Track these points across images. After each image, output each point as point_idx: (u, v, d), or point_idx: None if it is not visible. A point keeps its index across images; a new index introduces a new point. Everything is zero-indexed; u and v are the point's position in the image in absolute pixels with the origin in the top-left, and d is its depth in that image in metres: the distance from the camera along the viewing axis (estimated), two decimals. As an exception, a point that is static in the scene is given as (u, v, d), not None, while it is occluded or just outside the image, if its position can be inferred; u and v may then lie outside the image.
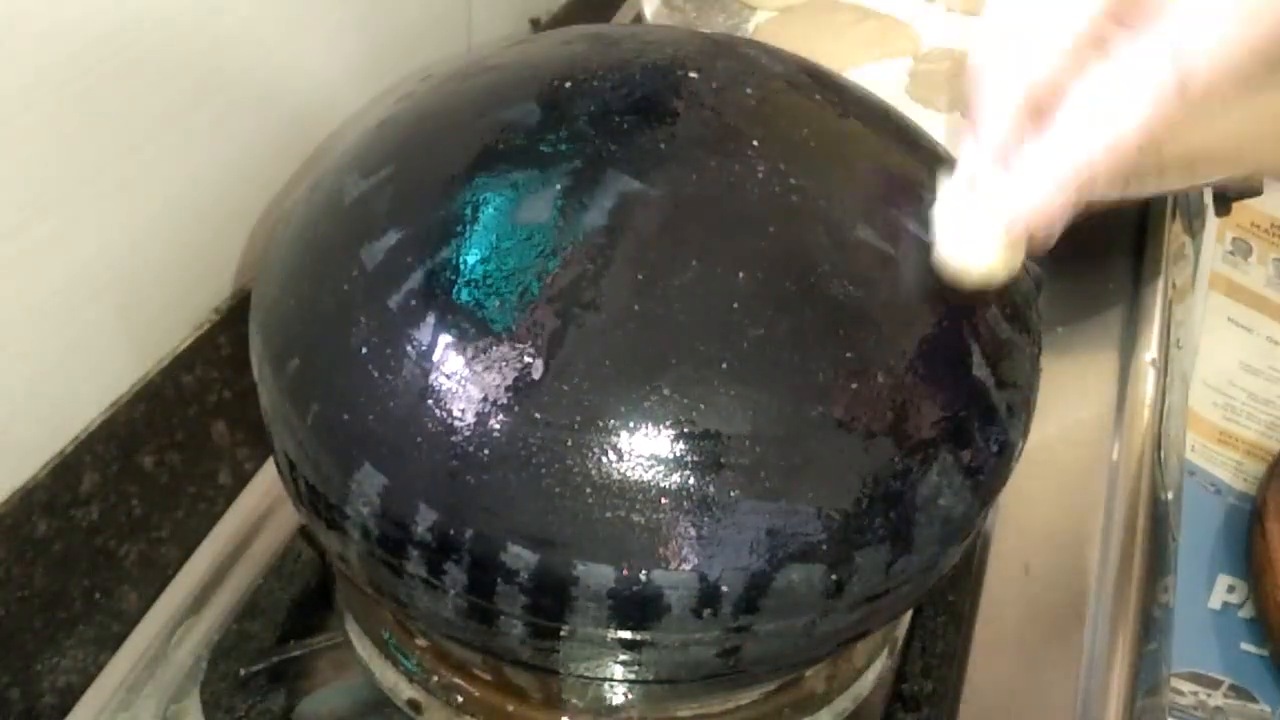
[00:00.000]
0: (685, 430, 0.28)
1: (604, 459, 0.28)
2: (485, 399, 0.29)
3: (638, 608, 0.29)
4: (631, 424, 0.28)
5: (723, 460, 0.29)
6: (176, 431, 0.48)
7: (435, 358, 0.29)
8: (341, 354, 0.31)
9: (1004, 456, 0.33)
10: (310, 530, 0.36)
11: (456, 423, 0.29)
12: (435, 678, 0.39)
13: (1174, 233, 0.71)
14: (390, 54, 0.59)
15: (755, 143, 0.33)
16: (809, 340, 0.30)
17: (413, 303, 0.30)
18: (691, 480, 0.28)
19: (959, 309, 0.32)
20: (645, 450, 0.28)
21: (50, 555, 0.43)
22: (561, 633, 0.30)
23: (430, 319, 0.30)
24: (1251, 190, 0.64)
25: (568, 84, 0.34)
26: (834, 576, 0.30)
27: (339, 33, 0.55)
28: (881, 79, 0.71)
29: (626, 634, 0.30)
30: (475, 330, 0.29)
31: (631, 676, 0.33)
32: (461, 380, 0.29)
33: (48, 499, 0.42)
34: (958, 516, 0.32)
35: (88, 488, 0.44)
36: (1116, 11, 0.28)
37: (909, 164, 0.35)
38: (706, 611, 0.30)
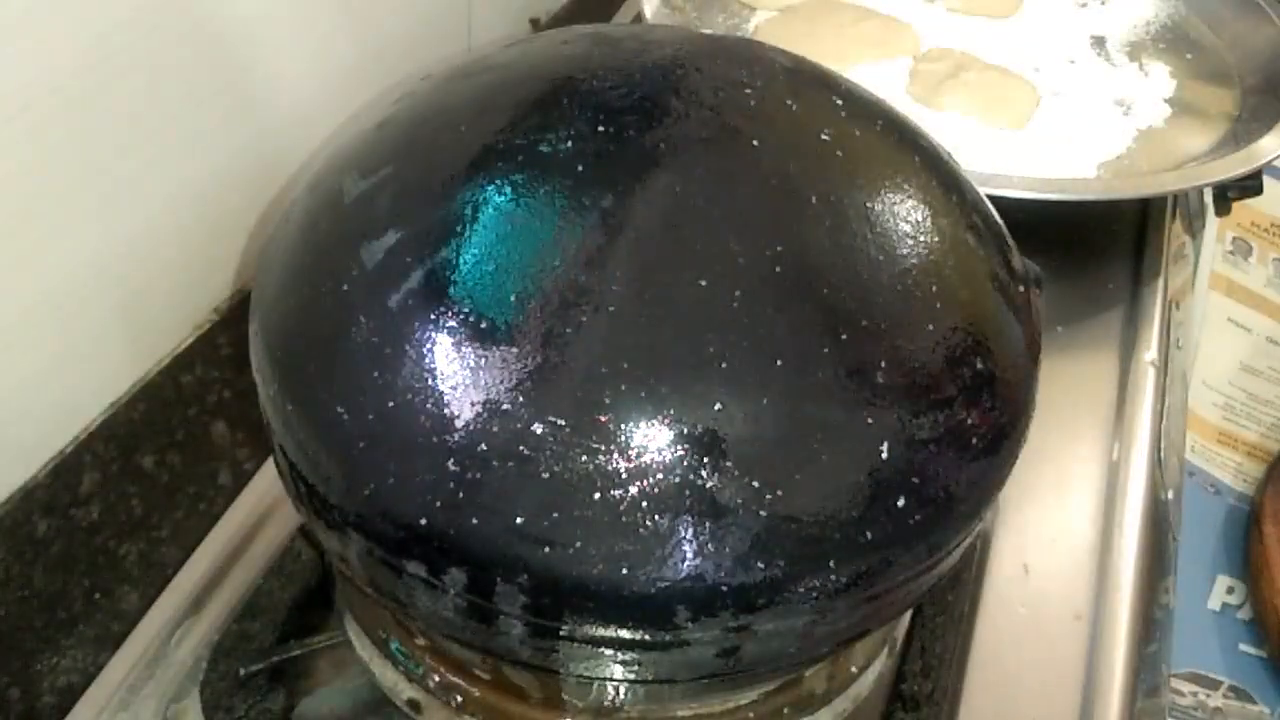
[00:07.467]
0: (685, 429, 0.28)
1: (604, 458, 0.28)
2: (485, 398, 0.29)
3: (637, 608, 0.29)
4: (631, 423, 0.28)
5: (722, 459, 0.28)
6: (176, 431, 0.48)
7: (435, 357, 0.29)
8: (341, 354, 0.31)
9: (1004, 456, 0.33)
10: (310, 530, 0.36)
11: (456, 422, 0.29)
12: (435, 678, 0.39)
13: (1174, 233, 0.71)
14: (390, 54, 0.59)
15: (755, 142, 0.33)
16: (809, 339, 0.30)
17: (412, 302, 0.30)
18: (691, 479, 0.28)
19: (959, 308, 0.32)
20: (645, 450, 0.28)
21: (50, 555, 0.43)
22: (561, 633, 0.30)
23: (430, 318, 0.30)
24: (1251, 190, 0.64)
25: (568, 84, 0.34)
26: (834, 576, 0.30)
27: (339, 33, 0.55)
28: (881, 79, 0.71)
29: (626, 634, 0.30)
30: (475, 329, 0.29)
31: (631, 676, 0.33)
32: (461, 379, 0.29)
33: (48, 499, 0.42)
34: (958, 516, 0.32)
35: (88, 488, 0.44)
36: None
37: (909, 163, 0.35)
38: (706, 611, 0.30)
